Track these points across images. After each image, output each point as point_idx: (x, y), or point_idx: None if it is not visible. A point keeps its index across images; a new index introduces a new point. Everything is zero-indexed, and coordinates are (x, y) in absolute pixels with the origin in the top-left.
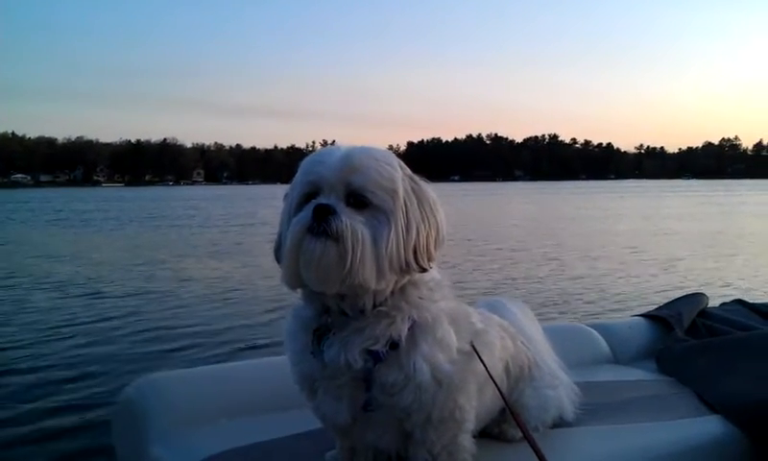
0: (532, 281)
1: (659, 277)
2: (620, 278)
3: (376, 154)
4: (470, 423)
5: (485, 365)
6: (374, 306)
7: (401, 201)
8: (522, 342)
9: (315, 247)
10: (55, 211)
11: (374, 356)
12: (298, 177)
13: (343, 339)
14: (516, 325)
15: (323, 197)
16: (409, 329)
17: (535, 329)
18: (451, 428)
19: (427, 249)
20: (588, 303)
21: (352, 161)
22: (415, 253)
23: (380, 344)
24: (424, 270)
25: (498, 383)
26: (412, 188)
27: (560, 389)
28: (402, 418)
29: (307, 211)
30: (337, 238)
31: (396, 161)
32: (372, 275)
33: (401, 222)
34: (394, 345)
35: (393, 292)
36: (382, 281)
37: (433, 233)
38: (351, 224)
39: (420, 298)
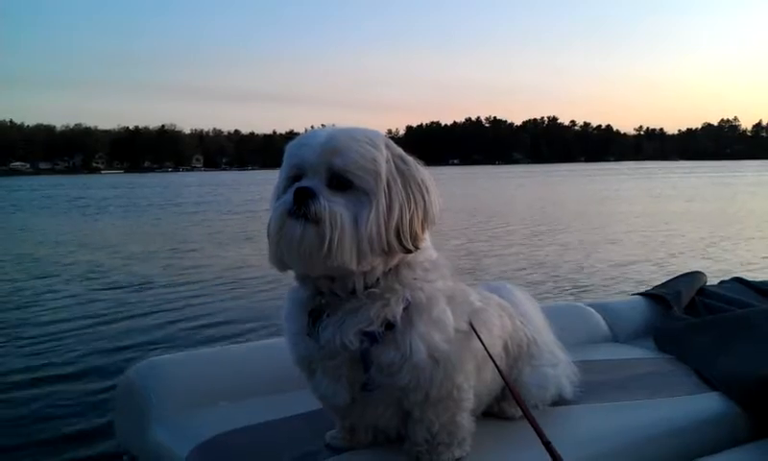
0: (558, 266)
1: (693, 260)
2: (652, 264)
3: (359, 134)
4: (469, 402)
5: (483, 343)
6: (366, 287)
7: (384, 181)
8: (521, 321)
9: (295, 230)
10: (72, 198)
11: (370, 337)
12: (284, 160)
13: (337, 320)
14: (516, 305)
15: (306, 179)
16: (405, 310)
17: (534, 310)
18: (450, 408)
19: (411, 230)
20: (609, 284)
21: (334, 143)
22: (398, 234)
23: (375, 325)
24: (409, 251)
25: (497, 362)
26: (398, 168)
27: (559, 367)
28: (401, 397)
29: (289, 194)
30: (317, 221)
31: (383, 141)
32: (351, 257)
33: (383, 203)
34: (389, 325)
35: (386, 273)
36: (364, 263)
37: (419, 214)
38: (330, 206)
39: (415, 278)
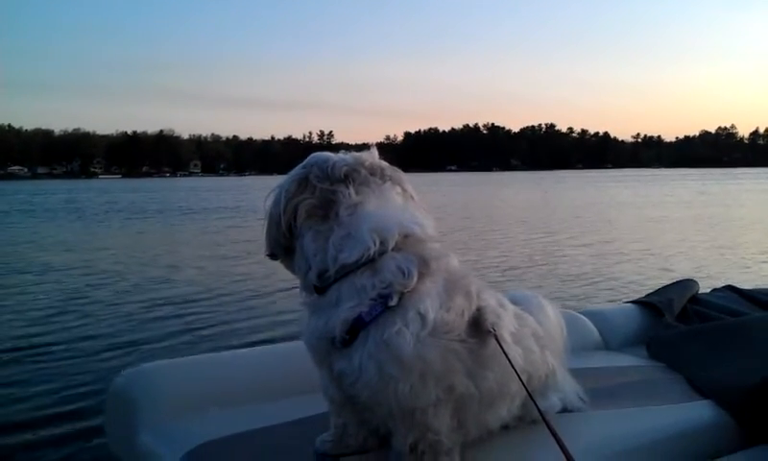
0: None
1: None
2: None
3: None
4: (441, 425)
5: (523, 383)
6: (321, 288)
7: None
8: (548, 350)
9: None
10: (105, 203)
11: (331, 341)
12: None
13: (309, 317)
14: (542, 323)
15: None
16: (370, 321)
17: (559, 330)
18: (418, 426)
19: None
20: None
21: None
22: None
23: (329, 330)
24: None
25: (518, 396)
26: None
27: (567, 396)
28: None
29: None
30: None
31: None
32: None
33: None
34: (353, 331)
35: (348, 273)
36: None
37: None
38: None
39: (384, 285)
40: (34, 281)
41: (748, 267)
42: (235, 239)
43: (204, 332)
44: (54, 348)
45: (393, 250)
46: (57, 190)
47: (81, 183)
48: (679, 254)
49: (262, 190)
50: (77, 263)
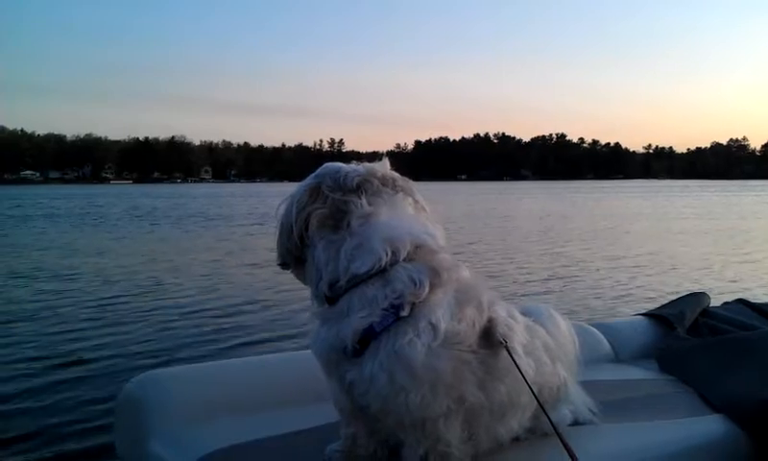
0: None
1: None
2: None
3: None
4: (452, 437)
5: (528, 383)
6: (332, 298)
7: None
8: (560, 361)
9: None
10: (126, 209)
11: (342, 351)
12: None
13: (319, 327)
14: (554, 335)
15: None
16: (381, 331)
17: (571, 343)
18: (429, 437)
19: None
20: None
21: None
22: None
23: (340, 340)
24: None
25: (528, 407)
26: None
27: (578, 409)
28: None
29: None
30: None
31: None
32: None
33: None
34: (364, 341)
35: (359, 283)
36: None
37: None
38: None
39: (396, 296)
40: (62, 289)
41: None
42: (257, 247)
43: (234, 341)
44: (80, 354)
45: (404, 260)
46: (73, 195)
47: (95, 188)
48: (702, 268)
49: (278, 197)
50: (105, 269)
